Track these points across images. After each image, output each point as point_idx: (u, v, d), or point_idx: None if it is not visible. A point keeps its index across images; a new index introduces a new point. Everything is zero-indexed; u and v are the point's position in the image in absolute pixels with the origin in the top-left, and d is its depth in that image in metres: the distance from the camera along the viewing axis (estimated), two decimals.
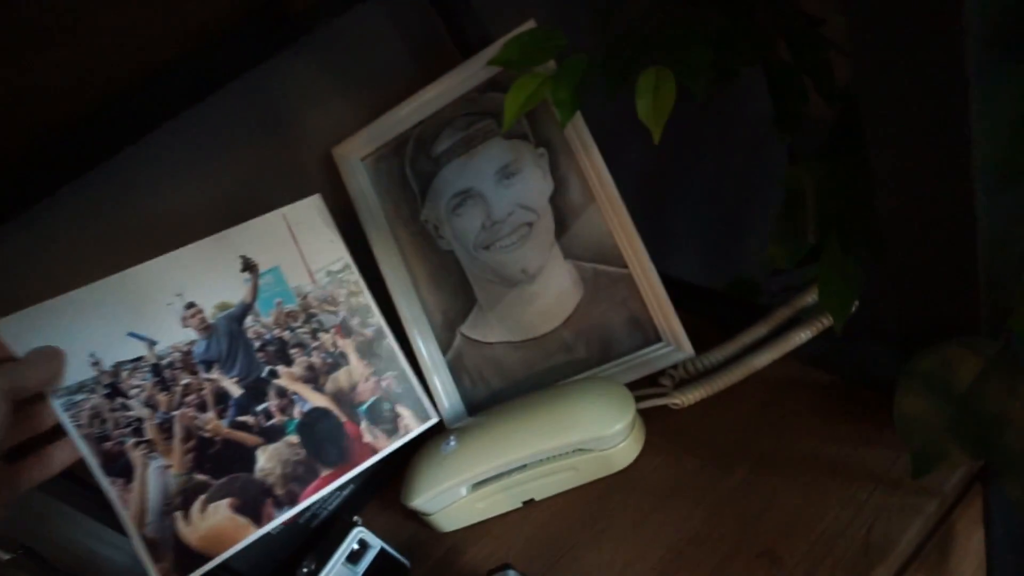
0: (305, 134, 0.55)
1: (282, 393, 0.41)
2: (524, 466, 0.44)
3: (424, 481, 0.46)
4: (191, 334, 0.38)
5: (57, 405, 0.33)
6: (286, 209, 0.40)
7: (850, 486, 0.34)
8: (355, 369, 0.43)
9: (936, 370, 0.30)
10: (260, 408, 0.40)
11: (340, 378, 0.42)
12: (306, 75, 0.54)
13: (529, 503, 0.46)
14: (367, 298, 0.43)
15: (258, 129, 0.53)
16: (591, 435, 0.42)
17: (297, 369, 0.41)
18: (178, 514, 0.36)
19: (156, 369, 0.37)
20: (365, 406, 0.43)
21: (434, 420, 0.45)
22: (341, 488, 0.57)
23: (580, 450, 0.43)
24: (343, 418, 0.42)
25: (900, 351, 0.35)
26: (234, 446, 0.39)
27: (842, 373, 0.40)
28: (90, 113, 0.44)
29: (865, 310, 0.41)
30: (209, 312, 0.39)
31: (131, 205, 0.50)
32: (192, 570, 0.36)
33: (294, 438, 0.40)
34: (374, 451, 0.43)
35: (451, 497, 0.46)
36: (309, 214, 0.41)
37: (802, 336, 0.42)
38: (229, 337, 0.39)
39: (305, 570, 0.43)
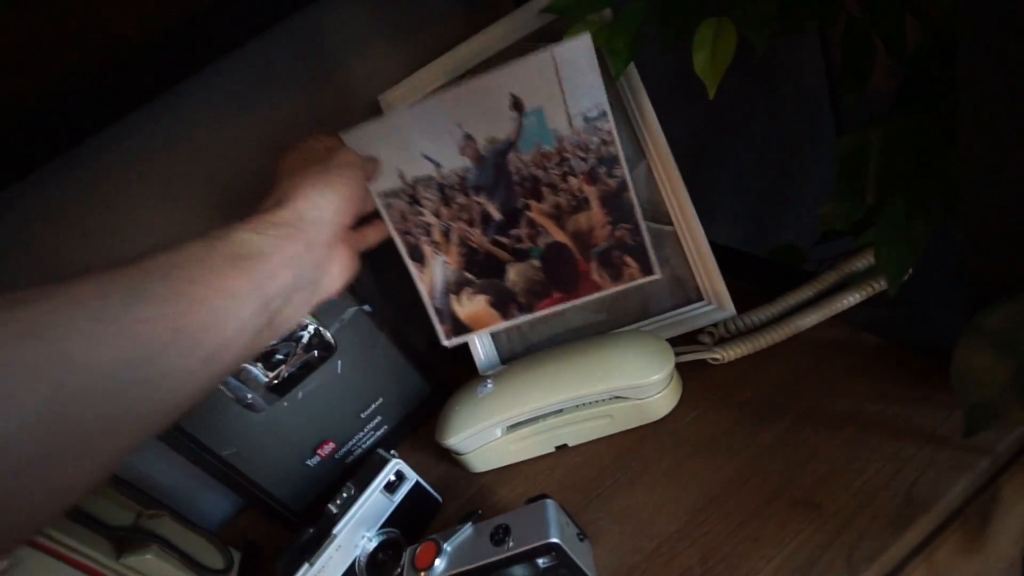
0: (351, 80, 0.55)
1: (531, 224, 0.48)
2: (560, 411, 0.45)
3: (460, 421, 0.47)
4: (466, 162, 0.45)
5: (379, 202, 0.45)
6: (555, 47, 0.40)
7: (896, 442, 0.34)
8: (595, 215, 0.47)
9: (1003, 326, 0.30)
10: (513, 232, 0.48)
11: (581, 220, 0.47)
12: (353, 20, 0.53)
13: (562, 448, 0.47)
14: (617, 149, 0.44)
15: (305, 74, 0.53)
16: (629, 383, 0.42)
17: (546, 206, 0.47)
18: (452, 296, 0.50)
19: (440, 187, 0.46)
20: (598, 249, 0.48)
21: (656, 276, 0.48)
22: (375, 427, 0.59)
23: (617, 397, 0.43)
24: (577, 255, 0.49)
25: (956, 315, 0.35)
26: (491, 258, 0.50)
27: (892, 336, 0.40)
28: (141, 52, 0.45)
29: (920, 274, 0.40)
30: (481, 144, 0.45)
31: (180, 141, 0.51)
32: (461, 334, 0.52)
33: (536, 262, 0.49)
34: (598, 288, 0.49)
35: (485, 438, 0.47)
36: (577, 53, 0.40)
37: (852, 299, 0.42)
38: (495, 169, 0.46)
39: (345, 494, 0.44)
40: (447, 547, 0.35)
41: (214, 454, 0.52)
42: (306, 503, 0.57)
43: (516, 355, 0.56)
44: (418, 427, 0.60)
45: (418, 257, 0.49)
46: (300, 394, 0.54)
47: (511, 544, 0.33)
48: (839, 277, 0.46)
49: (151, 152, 0.51)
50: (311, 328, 0.55)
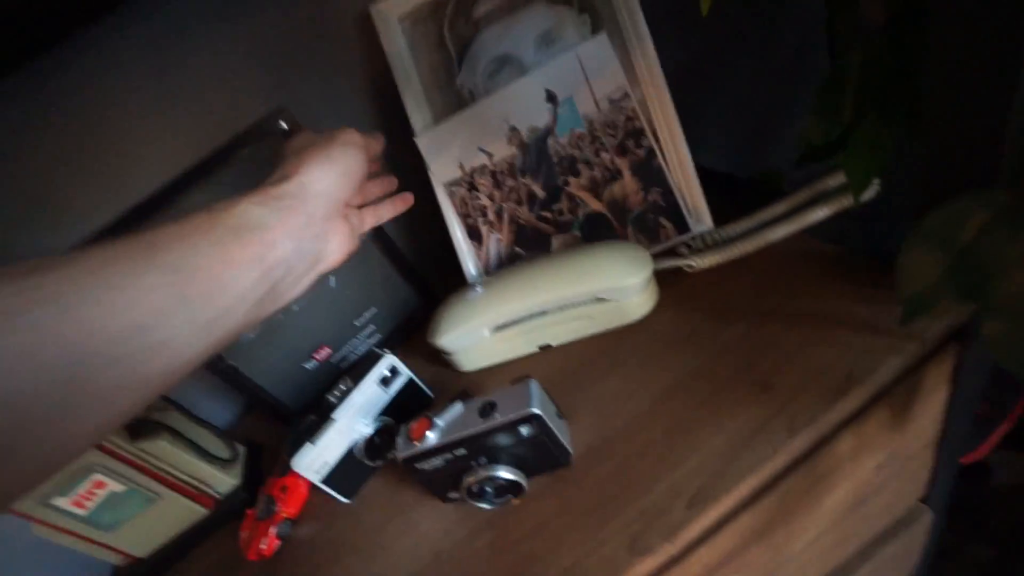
0: None
1: (571, 198, 0.54)
2: (544, 312, 0.48)
3: (450, 321, 0.50)
4: (513, 150, 0.54)
5: (442, 192, 0.57)
6: (579, 47, 0.49)
7: (843, 333, 0.38)
8: (627, 183, 0.52)
9: (942, 224, 0.33)
10: (556, 207, 0.55)
11: (615, 190, 0.53)
12: None
13: (546, 348, 0.51)
14: (641, 123, 0.50)
15: None
16: (609, 285, 0.45)
17: (583, 180, 0.53)
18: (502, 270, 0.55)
19: (493, 174, 0.56)
20: (633, 215, 0.53)
21: (692, 233, 0.52)
22: (369, 335, 0.62)
23: (598, 299, 0.47)
24: (615, 222, 0.54)
25: (909, 227, 0.38)
26: (538, 232, 0.57)
27: (852, 246, 0.43)
28: None
29: (884, 193, 0.43)
30: (524, 134, 0.53)
31: (166, 51, 0.51)
32: None
33: (577, 233, 0.55)
34: None
35: (474, 337, 0.50)
36: (597, 51, 0.48)
37: (820, 213, 0.45)
38: (537, 154, 0.54)
39: (343, 386, 0.48)
40: (439, 421, 0.39)
41: (221, 358, 0.54)
42: (305, 403, 0.61)
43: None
44: (410, 336, 0.63)
45: (475, 236, 0.58)
46: (295, 307, 0.57)
47: (497, 416, 0.37)
48: (811, 195, 0.49)
49: (139, 63, 0.50)
50: None
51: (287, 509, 0.50)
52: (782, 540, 0.43)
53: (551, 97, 0.52)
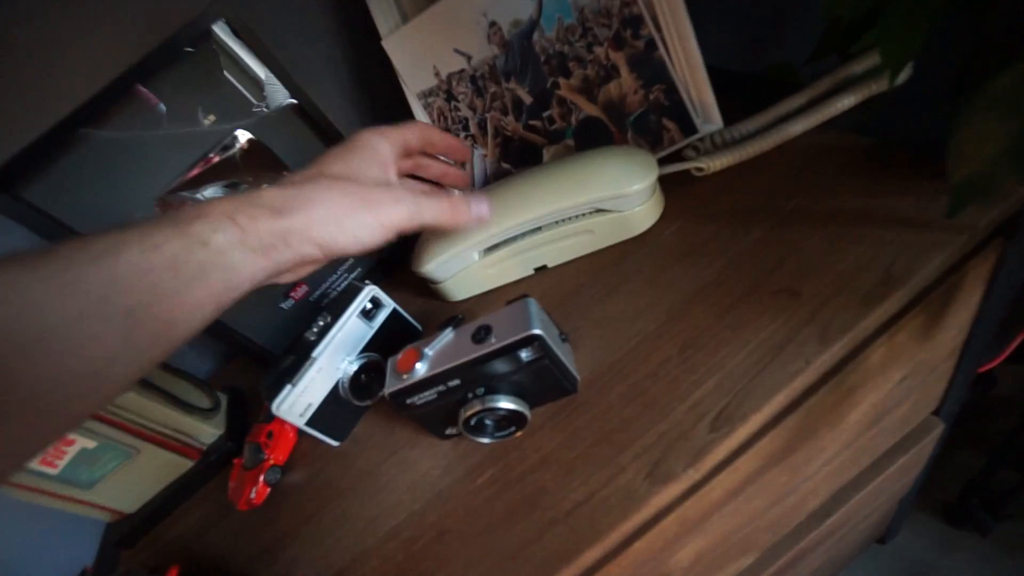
0: None
1: (562, 102, 0.48)
2: (538, 229, 0.43)
3: (435, 246, 0.45)
4: (494, 49, 0.47)
5: (418, 104, 0.52)
6: None
7: (879, 230, 0.34)
8: (625, 81, 0.45)
9: (1010, 87, 0.28)
10: (545, 115, 0.49)
11: (611, 90, 0.46)
12: None
13: (541, 270, 0.46)
14: (640, 7, 0.42)
15: None
16: (610, 193, 0.40)
17: (574, 81, 0.47)
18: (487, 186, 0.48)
19: (473, 79, 0.49)
20: (633, 117, 0.46)
21: (700, 135, 0.45)
22: (348, 270, 0.57)
23: (598, 211, 0.42)
24: (612, 127, 0.47)
25: (948, 108, 0.33)
26: (527, 144, 0.51)
27: (885, 136, 0.38)
28: None
29: (917, 75, 0.37)
30: (506, 29, 0.46)
31: None
32: None
33: (570, 141, 0.49)
34: None
35: (462, 262, 0.46)
36: None
37: (845, 101, 0.39)
38: (521, 52, 0.47)
39: (321, 322, 0.43)
40: (428, 351, 0.34)
41: None
42: (285, 341, 0.56)
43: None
44: (393, 269, 0.58)
45: None
46: None
47: (492, 340, 0.32)
48: (832, 83, 0.43)
49: None
50: None
51: (275, 456, 0.46)
52: (802, 460, 0.41)
53: None
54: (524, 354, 0.32)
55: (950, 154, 0.30)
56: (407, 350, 0.35)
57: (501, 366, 0.33)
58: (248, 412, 0.57)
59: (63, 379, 0.21)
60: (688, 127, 0.46)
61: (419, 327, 0.48)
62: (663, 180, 0.43)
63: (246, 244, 0.26)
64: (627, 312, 0.39)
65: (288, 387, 0.41)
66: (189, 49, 0.44)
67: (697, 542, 0.41)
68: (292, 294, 0.55)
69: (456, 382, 0.33)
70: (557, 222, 0.43)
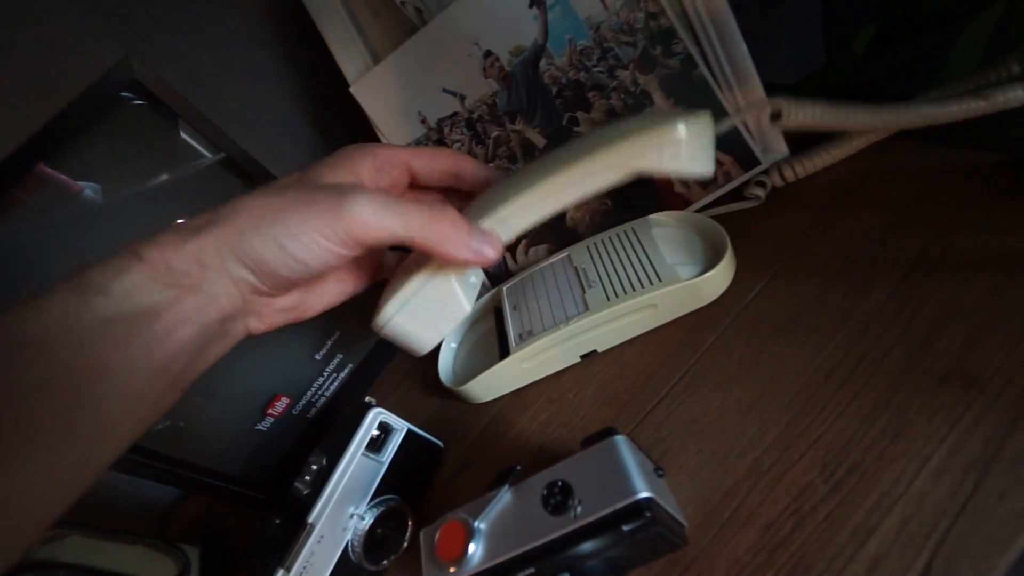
0: None
1: None
2: (582, 295, 0.34)
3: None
4: (492, 85, 0.39)
5: None
6: None
7: None
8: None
9: None
10: None
11: None
12: None
13: (590, 356, 0.36)
14: (670, 17, 0.34)
15: None
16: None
17: (597, 114, 0.38)
18: (506, 255, 0.42)
19: (469, 123, 0.40)
20: None
21: (763, 166, 0.36)
22: (336, 368, 0.46)
23: (652, 305, 0.32)
24: None
25: None
26: None
27: (1019, 149, 0.29)
28: None
29: None
30: (505, 59, 0.38)
31: None
32: None
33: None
34: (686, 202, 0.39)
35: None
36: None
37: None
38: (527, 85, 0.38)
39: (315, 466, 0.32)
40: (479, 525, 0.24)
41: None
42: (268, 470, 0.45)
43: None
44: (390, 360, 0.48)
45: None
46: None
47: (579, 510, 0.22)
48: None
49: None
50: None
51: None
52: None
53: (535, 0, 0.36)
54: (627, 527, 0.22)
55: None
56: (448, 523, 0.25)
57: (592, 544, 0.23)
58: (228, 561, 0.45)
59: None
60: (748, 158, 0.37)
61: (439, 443, 0.38)
62: (728, 224, 0.34)
63: (157, 279, 0.20)
64: (726, 413, 0.29)
65: (281, 572, 0.29)
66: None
67: None
68: (270, 411, 0.44)
69: (529, 571, 0.23)
70: (608, 298, 0.33)
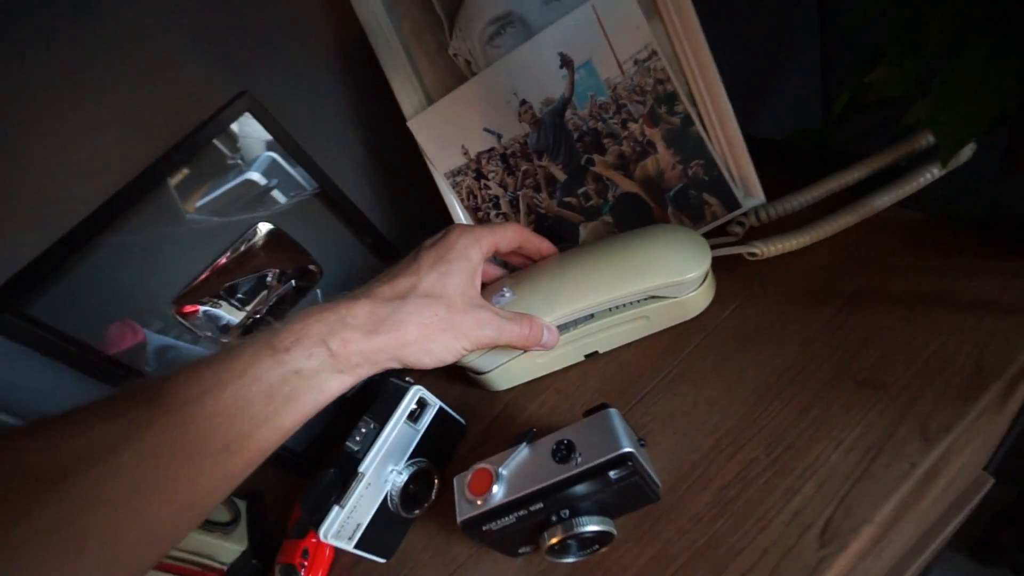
0: None
1: (597, 179, 0.47)
2: (590, 316, 0.42)
3: None
4: (525, 128, 0.47)
5: (445, 183, 0.51)
6: (595, 0, 0.41)
7: (956, 314, 0.33)
8: (662, 157, 0.45)
9: None
10: (580, 191, 0.48)
11: (648, 165, 0.46)
12: None
13: (592, 356, 0.44)
14: (674, 85, 0.43)
15: None
16: (668, 281, 0.39)
17: (610, 157, 0.46)
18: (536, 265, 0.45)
19: (503, 157, 0.49)
20: (672, 192, 0.46)
21: (743, 209, 0.45)
22: None
23: (652, 297, 0.40)
24: (651, 203, 0.47)
25: (1013, 178, 0.33)
26: (562, 221, 0.50)
27: (942, 209, 0.38)
28: None
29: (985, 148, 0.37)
30: (537, 108, 0.46)
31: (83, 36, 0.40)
32: None
33: (608, 218, 0.48)
34: None
35: (509, 354, 0.43)
36: (617, 2, 0.41)
37: (927, 176, 0.38)
38: (554, 130, 0.46)
39: (364, 429, 0.40)
40: (502, 471, 0.32)
41: None
42: (309, 440, 0.53)
43: None
44: None
45: None
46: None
47: (579, 460, 0.30)
48: (896, 157, 0.42)
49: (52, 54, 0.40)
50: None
51: (315, 572, 0.42)
52: (880, 549, 0.39)
53: (565, 62, 0.44)
54: (613, 473, 0.30)
55: None
56: (477, 469, 0.32)
57: (587, 486, 0.30)
58: (269, 515, 0.52)
59: (168, 517, 0.23)
60: (730, 202, 0.45)
61: (463, 421, 0.45)
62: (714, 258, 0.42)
63: (336, 367, 0.29)
64: (698, 404, 0.37)
65: (336, 509, 0.37)
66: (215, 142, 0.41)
67: None
68: None
69: (539, 506, 0.31)
70: (611, 309, 0.41)
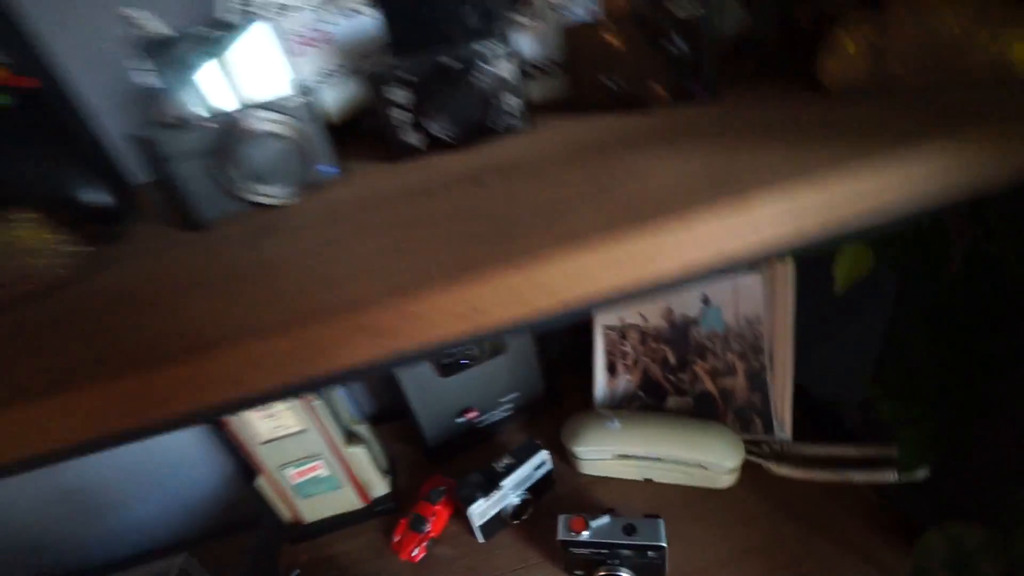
0: None
1: (694, 374, 0.75)
2: (659, 458, 0.68)
3: (589, 437, 0.69)
4: (663, 323, 0.68)
5: (598, 330, 0.79)
6: (740, 278, 0.63)
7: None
8: (739, 381, 0.72)
9: (958, 549, 0.52)
10: (681, 376, 0.76)
11: (727, 381, 0.72)
12: None
13: (648, 480, 0.70)
14: (765, 344, 0.72)
15: None
16: (714, 460, 0.65)
17: (707, 365, 0.73)
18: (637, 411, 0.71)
19: (642, 333, 0.69)
20: (737, 405, 0.74)
21: (775, 437, 0.70)
22: (505, 410, 0.81)
23: (699, 464, 0.66)
24: (721, 405, 0.74)
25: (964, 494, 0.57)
26: (659, 386, 0.77)
27: (896, 505, 0.62)
28: None
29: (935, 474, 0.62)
30: (676, 316, 0.65)
31: None
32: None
33: (690, 400, 0.75)
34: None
35: (601, 455, 0.70)
36: (751, 285, 0.62)
37: (888, 476, 0.63)
38: (681, 333, 0.78)
39: (507, 461, 0.67)
40: (593, 524, 0.58)
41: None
42: (448, 447, 0.79)
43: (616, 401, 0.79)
44: (532, 418, 0.82)
45: (612, 370, 0.78)
46: (458, 380, 0.75)
47: (636, 538, 0.56)
48: (877, 452, 0.67)
49: None
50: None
51: (434, 530, 0.68)
52: None
53: (706, 300, 0.73)
54: (650, 553, 0.55)
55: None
56: (576, 517, 0.58)
57: (632, 552, 0.56)
58: (397, 477, 0.79)
59: None
60: (769, 427, 0.71)
61: (554, 480, 0.72)
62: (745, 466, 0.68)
63: None
64: (705, 539, 0.62)
65: (482, 499, 0.63)
66: None
67: None
68: (466, 415, 0.79)
69: (604, 551, 0.56)
70: (673, 459, 0.67)
